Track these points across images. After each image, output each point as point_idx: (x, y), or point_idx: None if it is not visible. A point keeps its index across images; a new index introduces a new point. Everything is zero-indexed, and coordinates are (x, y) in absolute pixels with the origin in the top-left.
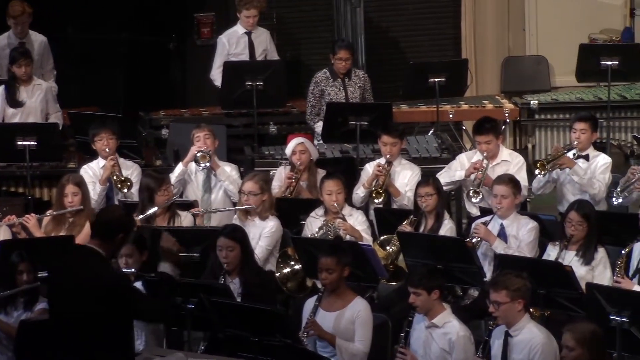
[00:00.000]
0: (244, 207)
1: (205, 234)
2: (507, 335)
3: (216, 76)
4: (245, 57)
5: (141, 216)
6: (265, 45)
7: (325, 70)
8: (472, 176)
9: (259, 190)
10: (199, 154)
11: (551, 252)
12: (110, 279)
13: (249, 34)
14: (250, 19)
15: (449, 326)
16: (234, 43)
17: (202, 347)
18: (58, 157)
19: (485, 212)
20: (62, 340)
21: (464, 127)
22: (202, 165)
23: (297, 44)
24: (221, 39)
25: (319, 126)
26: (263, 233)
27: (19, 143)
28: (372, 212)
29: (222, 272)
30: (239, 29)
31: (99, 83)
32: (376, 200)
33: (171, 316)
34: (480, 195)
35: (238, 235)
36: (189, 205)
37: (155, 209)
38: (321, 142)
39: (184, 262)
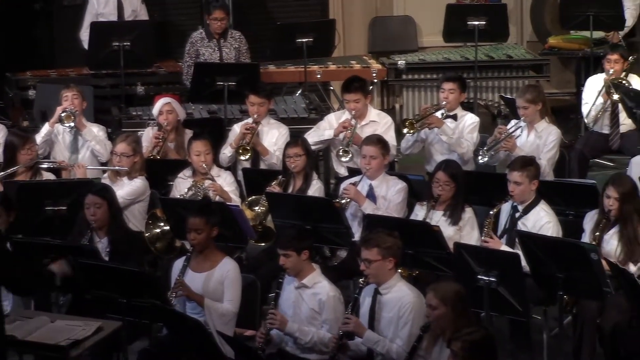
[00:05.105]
0: (116, 168)
1: (73, 187)
2: (377, 293)
3: (84, 36)
4: (114, 17)
5: (2, 173)
6: (135, 5)
7: (201, 30)
8: (341, 135)
9: (132, 152)
10: (63, 114)
11: (419, 212)
12: None
13: None
14: None
15: (319, 286)
16: (102, 3)
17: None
18: None
19: (353, 172)
20: None
21: (331, 88)
22: (67, 124)
23: (165, 4)
24: None
25: None
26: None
27: None
28: (240, 173)
29: (89, 229)
30: None
31: None
32: (242, 157)
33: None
34: (350, 155)
35: (105, 193)
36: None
37: (17, 167)
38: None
39: (51, 217)
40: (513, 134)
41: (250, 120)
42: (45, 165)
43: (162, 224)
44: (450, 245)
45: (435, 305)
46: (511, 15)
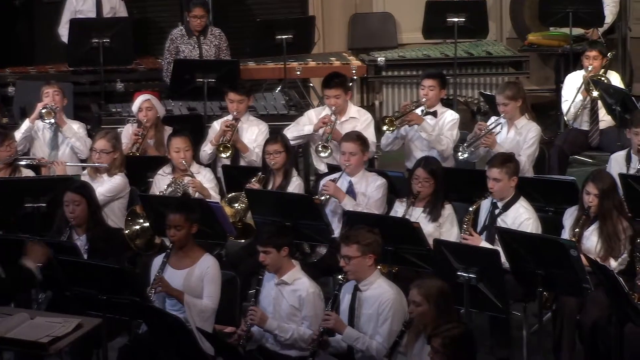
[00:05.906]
0: (95, 164)
1: (52, 184)
2: (357, 289)
3: (63, 32)
4: (92, 14)
5: None
6: (113, 2)
7: (181, 27)
8: (321, 131)
9: (111, 149)
10: (43, 110)
11: (399, 209)
12: None
13: None
14: None
15: (299, 283)
16: (81, 0)
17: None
18: None
19: (333, 169)
20: None
21: (311, 84)
22: (47, 121)
23: (144, 1)
24: None
25: None
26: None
27: None
28: (220, 170)
29: (68, 227)
30: None
31: None
32: (223, 155)
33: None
34: (329, 150)
35: (84, 190)
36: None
37: None
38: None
39: (31, 213)
40: (493, 130)
41: (230, 117)
42: (24, 162)
43: (141, 220)
44: (430, 242)
45: (419, 302)
46: (490, 11)
